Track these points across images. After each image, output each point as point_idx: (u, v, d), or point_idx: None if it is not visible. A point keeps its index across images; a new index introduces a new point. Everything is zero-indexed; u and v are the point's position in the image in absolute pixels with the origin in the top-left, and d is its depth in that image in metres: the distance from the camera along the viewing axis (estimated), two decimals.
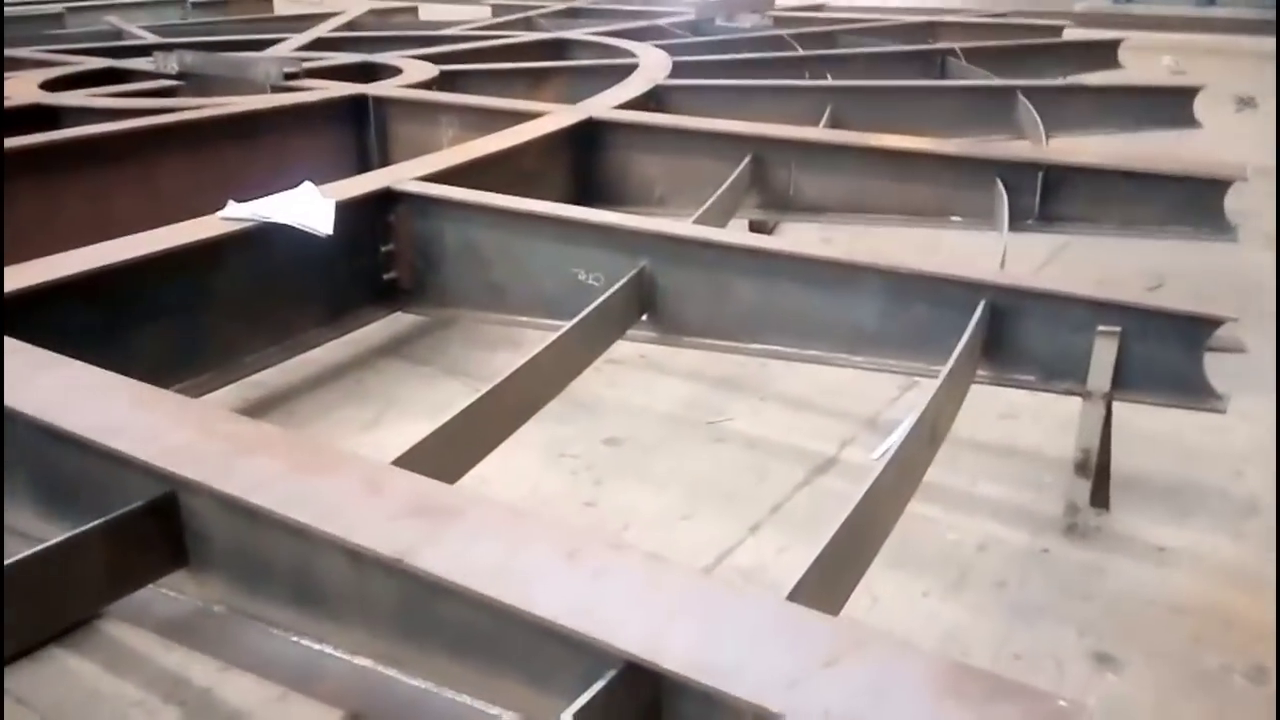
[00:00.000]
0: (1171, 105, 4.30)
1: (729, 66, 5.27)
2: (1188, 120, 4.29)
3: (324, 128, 4.08)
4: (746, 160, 3.36)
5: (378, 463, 1.32)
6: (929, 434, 1.66)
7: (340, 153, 4.13)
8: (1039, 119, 3.93)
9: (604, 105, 3.86)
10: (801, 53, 5.74)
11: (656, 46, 5.78)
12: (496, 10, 9.44)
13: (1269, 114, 6.81)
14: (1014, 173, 2.98)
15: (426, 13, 10.67)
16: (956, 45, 5.69)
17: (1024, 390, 1.98)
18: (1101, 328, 1.83)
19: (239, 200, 2.41)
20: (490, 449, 2.00)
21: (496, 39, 6.30)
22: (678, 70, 5.06)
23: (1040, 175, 2.92)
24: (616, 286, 2.29)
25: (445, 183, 2.85)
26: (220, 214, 2.36)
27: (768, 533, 1.95)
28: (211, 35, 7.02)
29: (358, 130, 4.19)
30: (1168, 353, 1.82)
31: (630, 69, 4.95)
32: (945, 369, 1.81)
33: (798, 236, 3.86)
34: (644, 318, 2.38)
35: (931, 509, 2.01)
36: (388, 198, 2.64)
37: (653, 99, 4.45)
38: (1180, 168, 2.80)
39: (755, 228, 4.01)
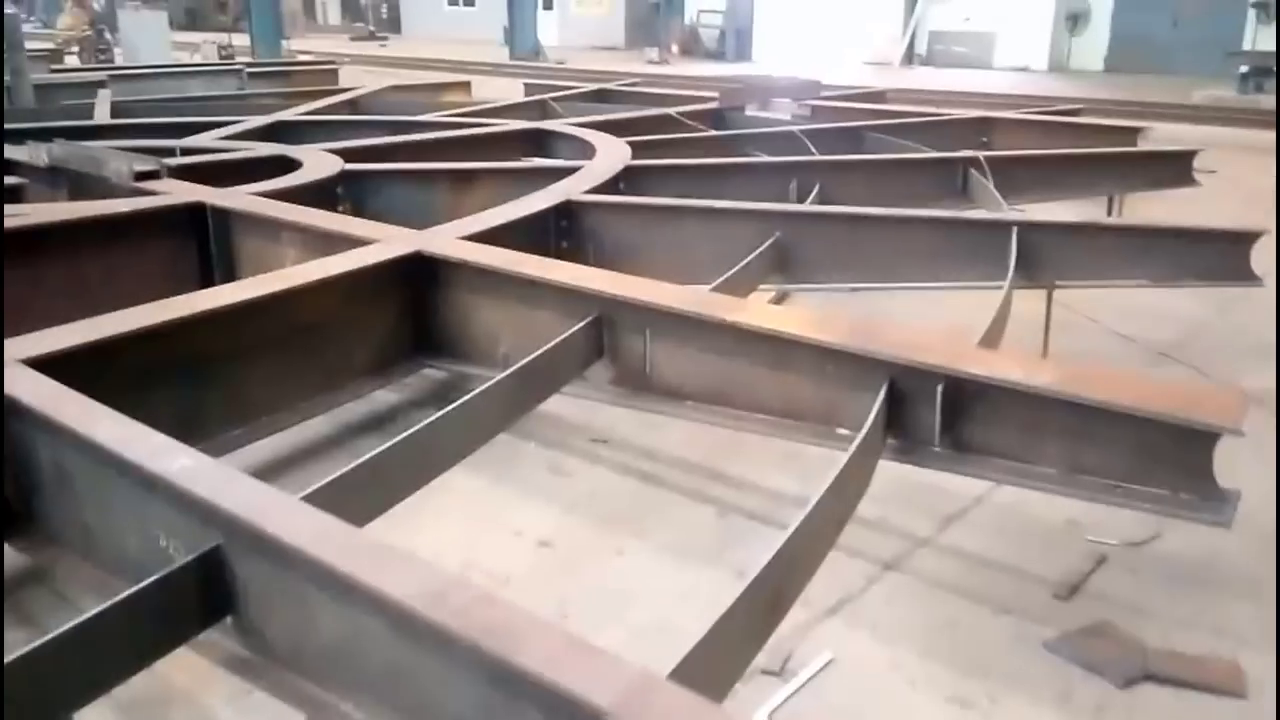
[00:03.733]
0: (1219, 253, 3.29)
1: (687, 175, 4.44)
2: (1242, 273, 3.26)
3: (150, 242, 3.42)
4: (583, 323, 2.53)
5: None
6: None
7: (174, 272, 3.46)
8: (1011, 267, 3.00)
9: (450, 235, 3.07)
10: (795, 159, 4.86)
11: (633, 142, 5.01)
12: (529, 90, 8.88)
13: None
14: (911, 379, 2.07)
15: (482, 91, 10.29)
16: (982, 154, 4.73)
17: None
18: None
19: None
20: None
21: (467, 128, 5.63)
22: (626, 175, 4.28)
23: (939, 388, 2.00)
24: (173, 568, 1.48)
25: (114, 351, 2.13)
26: None
27: None
28: (187, 114, 6.52)
29: (204, 245, 3.53)
30: None
31: (570, 172, 4.19)
32: None
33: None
34: (228, 619, 1.55)
35: None
36: None
37: (564, 216, 3.67)
38: (1156, 402, 1.82)
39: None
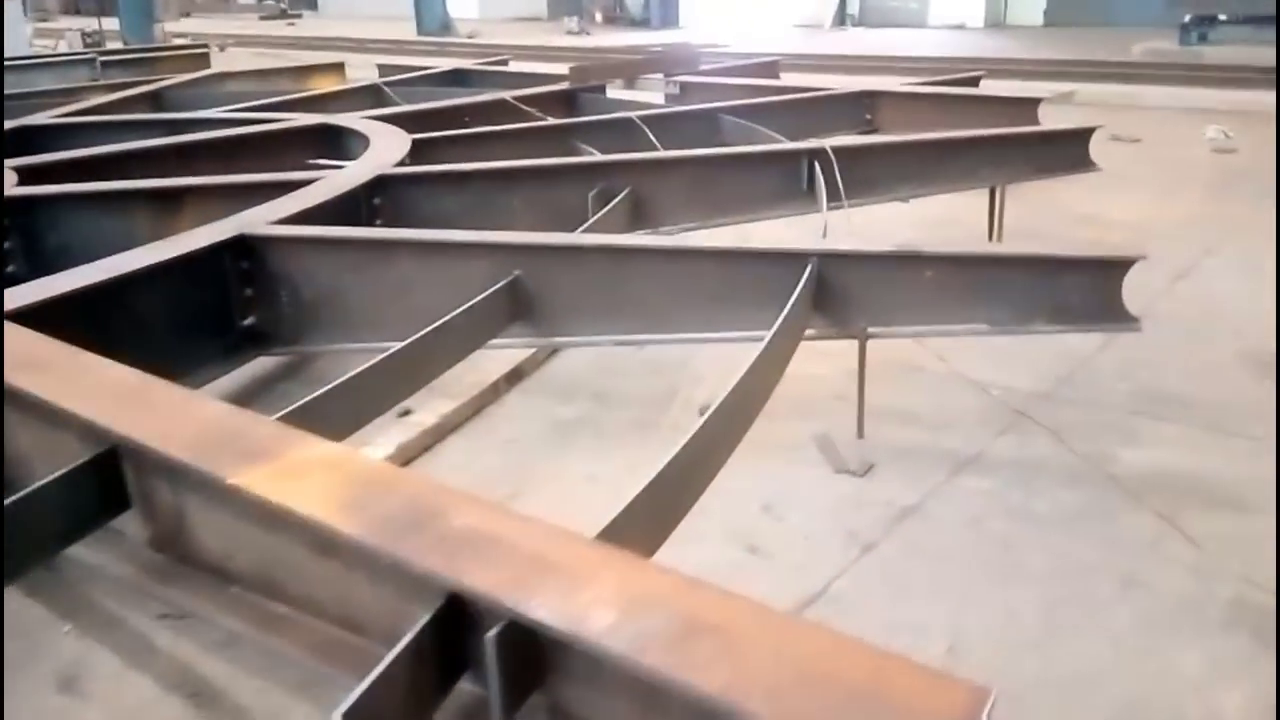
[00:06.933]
0: (1084, 287, 2.46)
1: (463, 183, 3.55)
2: (1114, 312, 2.44)
3: None
4: (79, 463, 1.66)
5: None
6: None
7: None
8: (787, 309, 2.12)
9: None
10: (604, 158, 3.97)
11: (423, 139, 4.12)
12: (383, 70, 7.88)
13: None
14: (476, 603, 1.21)
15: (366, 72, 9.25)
16: (829, 145, 3.88)
17: None
18: None
19: None
20: None
21: (249, 124, 4.69)
22: (380, 187, 3.40)
23: (494, 633, 1.15)
24: None
25: None
26: None
27: None
28: None
29: None
30: None
31: (298, 185, 3.30)
32: None
33: None
34: None
35: None
36: None
37: (243, 255, 2.78)
38: (847, 704, 0.98)
39: None
